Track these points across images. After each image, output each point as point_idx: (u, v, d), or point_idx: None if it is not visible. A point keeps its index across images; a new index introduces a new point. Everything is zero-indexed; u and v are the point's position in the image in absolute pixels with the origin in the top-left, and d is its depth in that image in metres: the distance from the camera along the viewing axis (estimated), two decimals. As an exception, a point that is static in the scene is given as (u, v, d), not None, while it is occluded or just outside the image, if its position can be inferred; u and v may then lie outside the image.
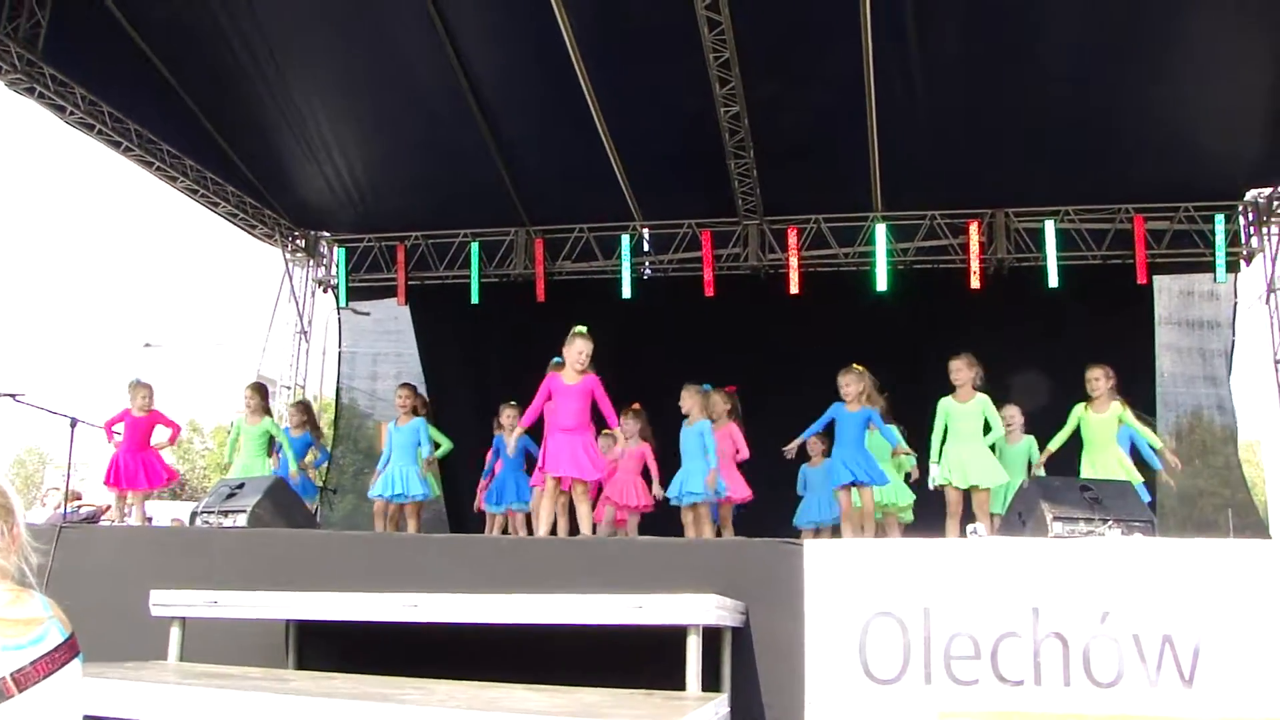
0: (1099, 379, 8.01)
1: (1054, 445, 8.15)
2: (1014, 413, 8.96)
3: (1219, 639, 4.92)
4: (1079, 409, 8.06)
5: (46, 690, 2.09)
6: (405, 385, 9.75)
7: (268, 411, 9.77)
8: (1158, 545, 5.43)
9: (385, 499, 9.10)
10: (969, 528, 7.24)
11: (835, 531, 8.77)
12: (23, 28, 9.73)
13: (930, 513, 8.51)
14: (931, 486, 8.13)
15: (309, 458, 10.46)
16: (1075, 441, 8.19)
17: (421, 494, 9.11)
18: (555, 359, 8.29)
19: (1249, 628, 4.93)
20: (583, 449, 7.06)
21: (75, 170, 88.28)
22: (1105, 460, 7.88)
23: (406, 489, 9.01)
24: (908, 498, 9.03)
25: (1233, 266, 12.11)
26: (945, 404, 7.94)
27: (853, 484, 7.88)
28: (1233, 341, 12.25)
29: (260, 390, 9.87)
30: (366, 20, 10.44)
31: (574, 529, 7.62)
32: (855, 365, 8.12)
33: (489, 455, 10.13)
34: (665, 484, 8.45)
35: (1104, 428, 8.00)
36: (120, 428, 9.24)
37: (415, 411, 9.40)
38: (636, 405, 9.17)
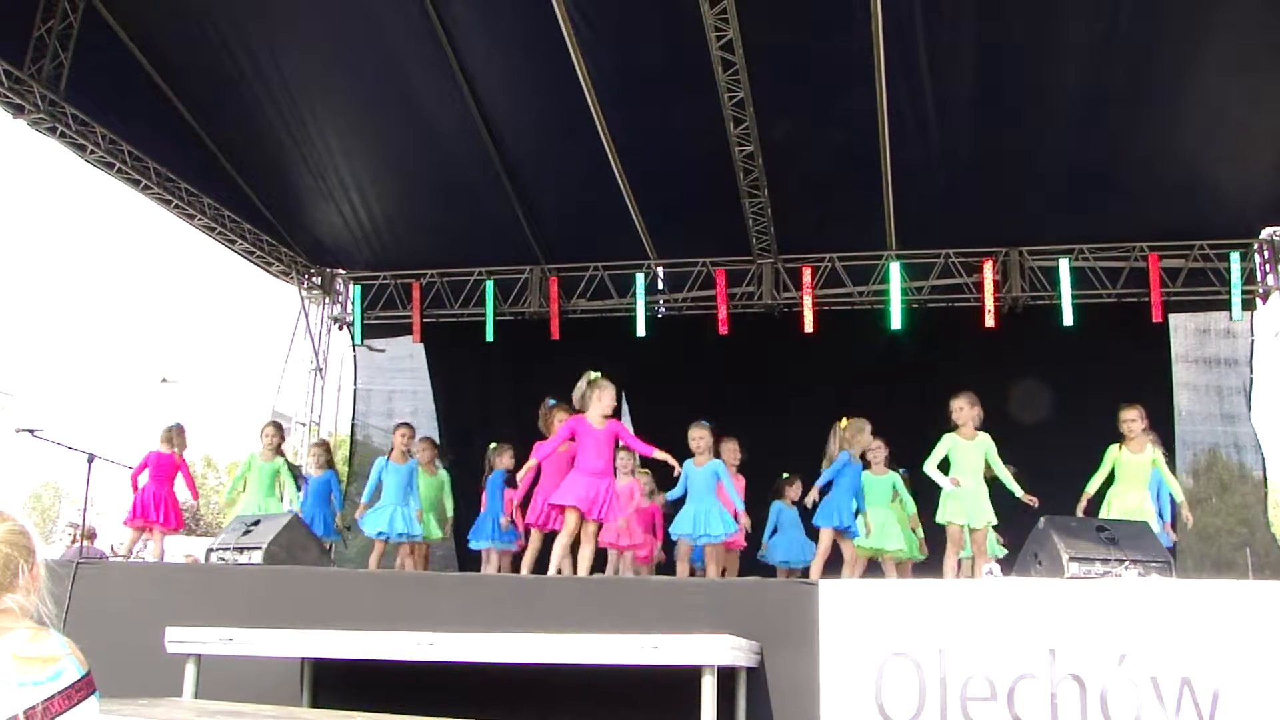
0: (1135, 420, 7.91)
1: (1091, 488, 8.01)
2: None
3: (1239, 682, 4.87)
4: (1114, 449, 7.96)
5: None
6: (407, 425, 9.84)
7: (281, 452, 9.91)
8: (1176, 586, 5.40)
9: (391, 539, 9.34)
10: (984, 568, 7.18)
11: (805, 573, 8.77)
12: (46, 68, 9.88)
13: (935, 547, 8.49)
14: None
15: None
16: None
17: (420, 533, 9.41)
18: (550, 401, 8.37)
19: (1270, 671, 4.88)
20: (602, 490, 7.04)
21: (94, 207, 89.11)
22: (1132, 503, 7.79)
23: (409, 528, 9.28)
24: (915, 549, 9.09)
25: (1249, 304, 12.06)
26: (949, 439, 7.87)
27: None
28: (1251, 379, 12.19)
29: (279, 429, 10.01)
30: (384, 61, 10.56)
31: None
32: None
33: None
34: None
35: (1138, 469, 7.93)
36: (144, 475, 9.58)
37: (411, 453, 9.62)
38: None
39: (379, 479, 9.45)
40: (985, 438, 7.81)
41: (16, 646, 2.12)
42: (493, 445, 9.83)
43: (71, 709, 2.13)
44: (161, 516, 9.41)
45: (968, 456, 7.78)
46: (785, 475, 9.44)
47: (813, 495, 8.24)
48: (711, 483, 8.02)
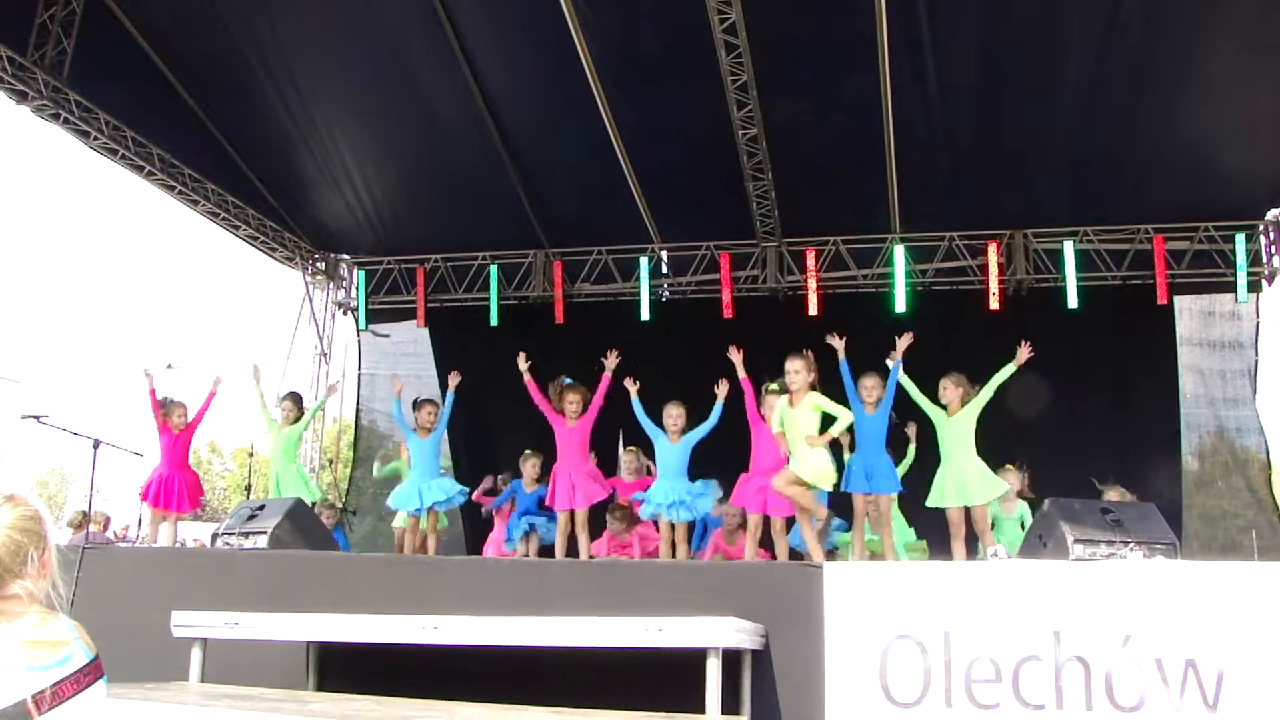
0: (797, 371, 7.32)
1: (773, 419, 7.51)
2: (1012, 479, 8.52)
3: (1243, 663, 4.88)
4: (781, 401, 7.40)
5: (70, 711, 2.11)
6: (430, 401, 9.60)
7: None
8: (1180, 568, 5.40)
9: (412, 513, 9.11)
10: (989, 550, 7.17)
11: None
12: (49, 55, 9.87)
13: (936, 531, 8.42)
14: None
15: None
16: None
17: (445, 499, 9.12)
18: (566, 379, 8.40)
19: (1274, 651, 4.89)
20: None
21: (98, 194, 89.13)
22: (804, 458, 7.20)
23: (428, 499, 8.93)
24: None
25: (1254, 286, 12.03)
26: (936, 413, 7.63)
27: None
28: (1256, 362, 12.17)
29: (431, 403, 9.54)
30: (386, 45, 10.53)
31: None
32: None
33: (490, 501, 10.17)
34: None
35: (801, 423, 7.28)
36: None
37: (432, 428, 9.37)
38: (634, 448, 9.37)
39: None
40: (968, 410, 7.53)
41: (25, 631, 2.12)
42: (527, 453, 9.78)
43: (80, 693, 2.13)
44: (176, 502, 9.31)
45: (954, 433, 7.63)
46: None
47: None
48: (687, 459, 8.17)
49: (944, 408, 7.65)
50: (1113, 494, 8.44)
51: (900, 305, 12.09)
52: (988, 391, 7.54)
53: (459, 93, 10.92)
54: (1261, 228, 12.10)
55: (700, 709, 4.67)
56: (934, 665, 5.15)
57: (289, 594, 6.18)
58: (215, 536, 7.66)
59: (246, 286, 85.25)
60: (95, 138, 10.84)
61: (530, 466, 9.55)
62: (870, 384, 7.95)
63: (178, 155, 11.78)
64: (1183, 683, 4.90)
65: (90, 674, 2.17)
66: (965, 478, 7.46)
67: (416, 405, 9.22)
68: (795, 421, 7.22)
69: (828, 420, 7.26)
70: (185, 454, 9.46)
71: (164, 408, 9.31)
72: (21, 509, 2.24)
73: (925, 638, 5.19)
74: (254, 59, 10.78)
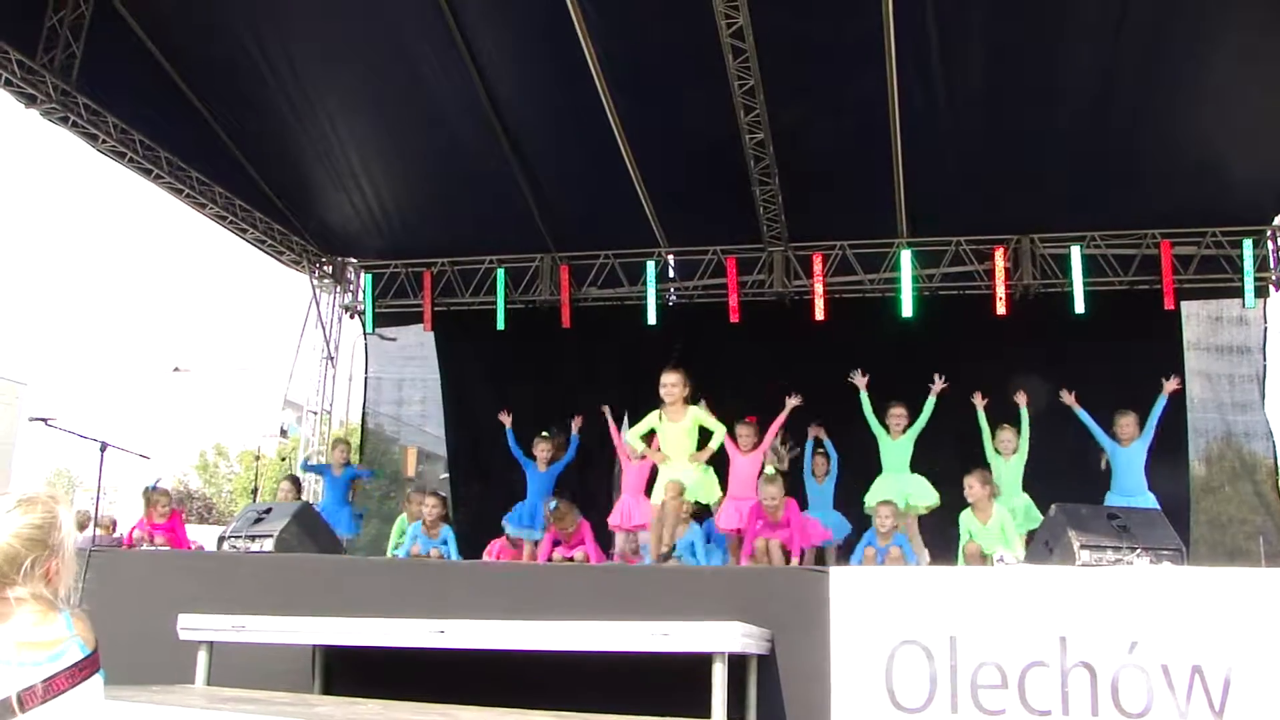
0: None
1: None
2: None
3: (1250, 669, 4.86)
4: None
5: (64, 705, 2.10)
6: (436, 495, 9.60)
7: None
8: (1187, 574, 5.39)
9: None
10: (995, 555, 7.17)
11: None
12: (58, 58, 9.89)
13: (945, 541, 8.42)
14: None
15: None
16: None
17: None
18: (552, 503, 8.56)
19: (1281, 658, 4.87)
20: None
21: (106, 197, 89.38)
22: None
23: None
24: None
25: (1262, 291, 11.97)
26: (966, 520, 7.59)
27: None
28: (1264, 367, 12.13)
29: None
30: (393, 48, 10.56)
31: None
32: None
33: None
34: None
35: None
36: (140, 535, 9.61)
37: (445, 519, 9.33)
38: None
39: (411, 544, 9.21)
40: (1002, 514, 7.52)
41: (20, 633, 2.11)
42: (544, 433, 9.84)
43: (74, 687, 2.13)
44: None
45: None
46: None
47: None
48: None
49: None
50: (1125, 418, 8.55)
51: (907, 310, 12.05)
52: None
53: (466, 97, 10.93)
54: (1269, 233, 12.04)
55: (706, 714, 4.68)
56: (940, 670, 5.14)
57: (295, 597, 6.19)
58: (222, 539, 7.67)
59: (254, 289, 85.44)
60: (103, 141, 10.85)
61: (543, 450, 9.58)
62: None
63: (186, 158, 11.78)
64: (1189, 689, 4.89)
65: (86, 668, 2.16)
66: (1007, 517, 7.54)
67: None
68: (678, 437, 7.20)
69: (705, 435, 7.27)
70: (173, 527, 9.62)
71: (147, 499, 9.55)
72: (31, 517, 2.19)
73: (931, 643, 5.18)
74: (262, 63, 10.80)
